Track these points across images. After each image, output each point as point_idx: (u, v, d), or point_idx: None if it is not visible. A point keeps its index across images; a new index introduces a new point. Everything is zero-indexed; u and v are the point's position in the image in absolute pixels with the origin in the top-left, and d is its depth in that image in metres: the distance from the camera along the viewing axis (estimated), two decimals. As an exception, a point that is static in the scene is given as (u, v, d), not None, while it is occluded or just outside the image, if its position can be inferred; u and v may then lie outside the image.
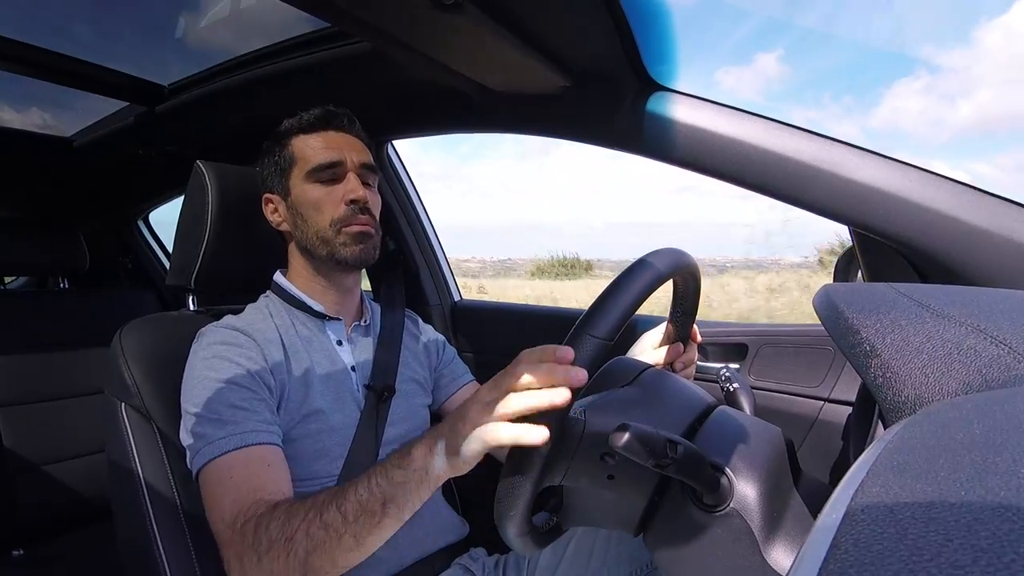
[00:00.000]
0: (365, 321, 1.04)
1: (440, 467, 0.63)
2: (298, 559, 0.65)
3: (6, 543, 1.58)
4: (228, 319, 0.93)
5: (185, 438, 0.81)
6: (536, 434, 0.53)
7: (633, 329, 1.21)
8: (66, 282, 2.14)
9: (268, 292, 1.01)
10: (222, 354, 0.85)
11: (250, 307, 0.99)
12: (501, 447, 0.57)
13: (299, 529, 0.66)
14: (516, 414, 0.56)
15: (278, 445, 0.82)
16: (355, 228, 0.93)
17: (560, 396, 0.53)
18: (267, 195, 0.99)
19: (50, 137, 1.65)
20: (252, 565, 0.67)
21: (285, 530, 0.67)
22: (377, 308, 1.12)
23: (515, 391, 0.57)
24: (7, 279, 2.06)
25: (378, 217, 0.99)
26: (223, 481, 0.75)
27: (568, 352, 0.54)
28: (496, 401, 0.58)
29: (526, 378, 0.56)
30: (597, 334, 0.54)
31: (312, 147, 0.95)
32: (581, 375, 0.53)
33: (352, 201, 0.93)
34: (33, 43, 1.18)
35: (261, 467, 0.77)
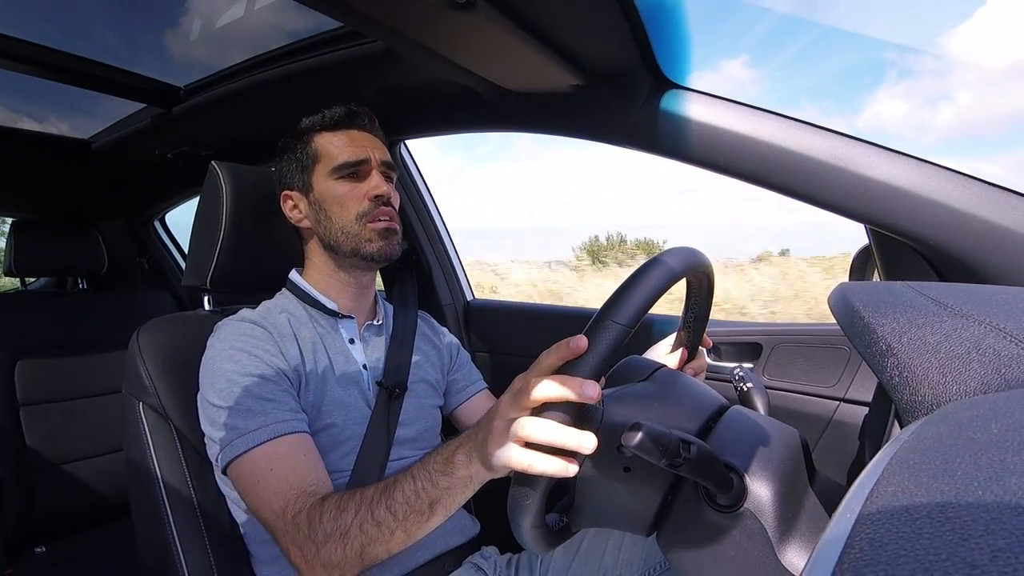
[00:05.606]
0: (378, 320, 1.05)
1: (481, 475, 0.66)
2: (354, 550, 0.70)
3: (28, 540, 1.61)
4: (244, 312, 0.94)
5: (213, 431, 0.82)
6: (546, 464, 0.55)
7: (648, 330, 1.20)
8: (85, 283, 2.17)
9: (283, 290, 1.02)
10: (241, 346, 0.86)
11: (265, 303, 1.00)
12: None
13: (352, 524, 0.70)
14: (531, 441, 0.56)
15: (307, 432, 0.84)
16: (380, 224, 0.95)
17: (586, 441, 0.53)
18: (286, 192, 1.00)
19: (69, 139, 1.68)
20: (312, 553, 0.71)
21: (339, 524, 0.71)
22: (390, 308, 1.13)
23: (532, 407, 0.56)
24: (28, 280, 2.09)
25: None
26: (263, 473, 0.77)
27: (582, 341, 0.54)
28: (514, 421, 0.57)
29: (542, 391, 0.55)
30: (618, 320, 0.54)
31: (336, 145, 0.96)
32: (592, 390, 0.52)
33: (376, 196, 0.95)
34: (52, 46, 1.20)
35: (297, 458, 0.80)
